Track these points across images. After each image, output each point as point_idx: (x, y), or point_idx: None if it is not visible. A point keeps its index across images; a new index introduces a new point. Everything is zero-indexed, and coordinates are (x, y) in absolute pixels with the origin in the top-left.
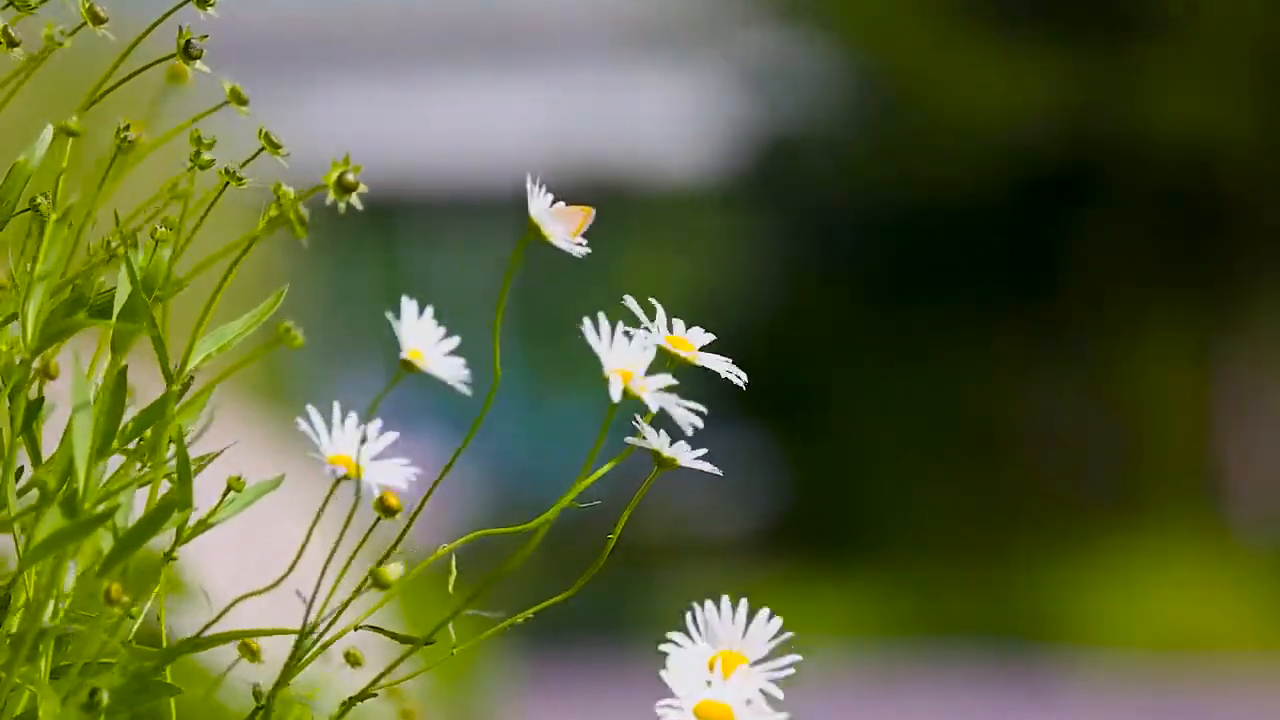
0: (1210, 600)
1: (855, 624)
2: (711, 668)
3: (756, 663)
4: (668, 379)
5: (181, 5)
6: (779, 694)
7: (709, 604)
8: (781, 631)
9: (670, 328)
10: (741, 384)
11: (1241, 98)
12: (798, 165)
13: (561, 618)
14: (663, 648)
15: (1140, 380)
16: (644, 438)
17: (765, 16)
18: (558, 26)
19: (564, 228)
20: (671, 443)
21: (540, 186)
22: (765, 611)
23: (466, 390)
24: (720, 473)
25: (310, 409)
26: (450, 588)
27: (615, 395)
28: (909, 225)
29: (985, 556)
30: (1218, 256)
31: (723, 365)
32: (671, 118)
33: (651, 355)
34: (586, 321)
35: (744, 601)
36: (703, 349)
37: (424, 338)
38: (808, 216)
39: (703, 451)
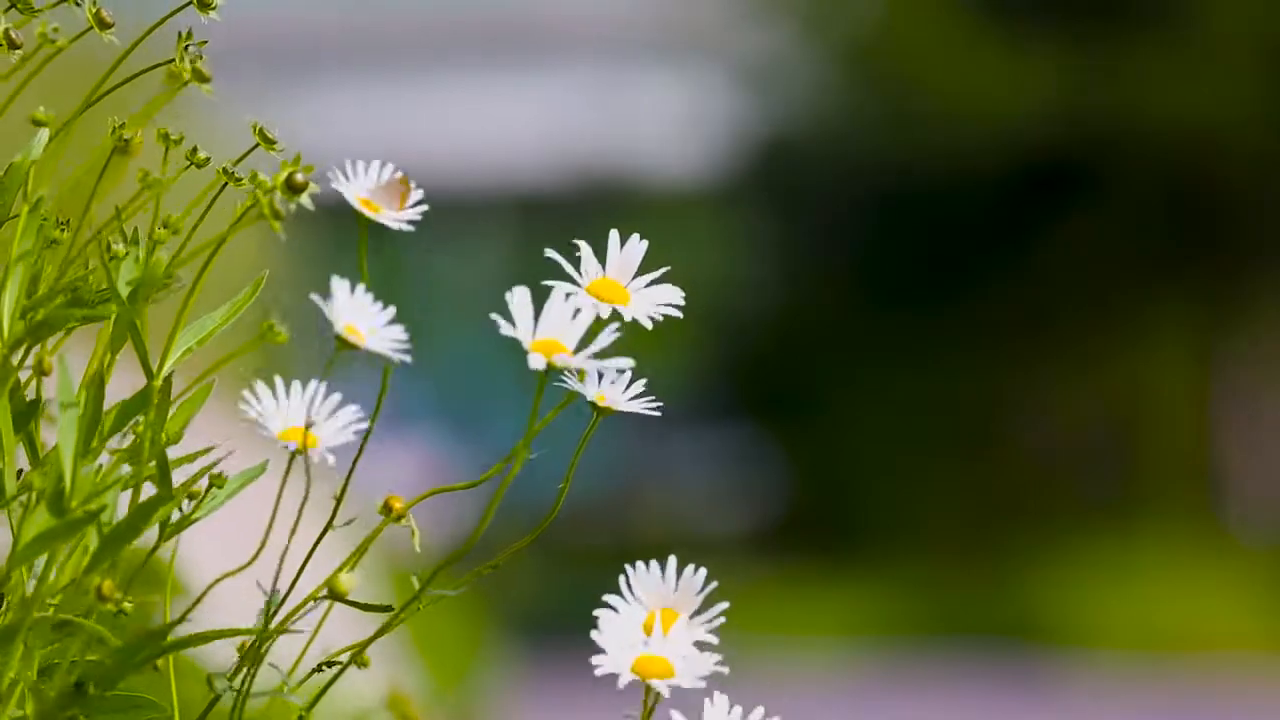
0: (1210, 600)
1: (855, 624)
2: (649, 628)
3: (691, 616)
4: (599, 351)
5: (183, 7)
6: (714, 642)
7: (639, 566)
8: (709, 583)
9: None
10: (678, 314)
11: (1244, 94)
12: (797, 165)
13: (563, 617)
14: (597, 612)
15: (1140, 380)
16: (581, 382)
17: (764, 17)
18: (558, 27)
19: (390, 206)
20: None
21: (356, 169)
22: (691, 567)
23: (407, 359)
24: (659, 413)
25: (255, 387)
26: (416, 546)
27: (537, 365)
28: (908, 224)
29: (985, 556)
30: (1218, 256)
31: (654, 307)
32: (671, 118)
33: (587, 312)
34: (509, 295)
35: (672, 558)
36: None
37: (360, 314)
38: (807, 216)
39: (638, 390)
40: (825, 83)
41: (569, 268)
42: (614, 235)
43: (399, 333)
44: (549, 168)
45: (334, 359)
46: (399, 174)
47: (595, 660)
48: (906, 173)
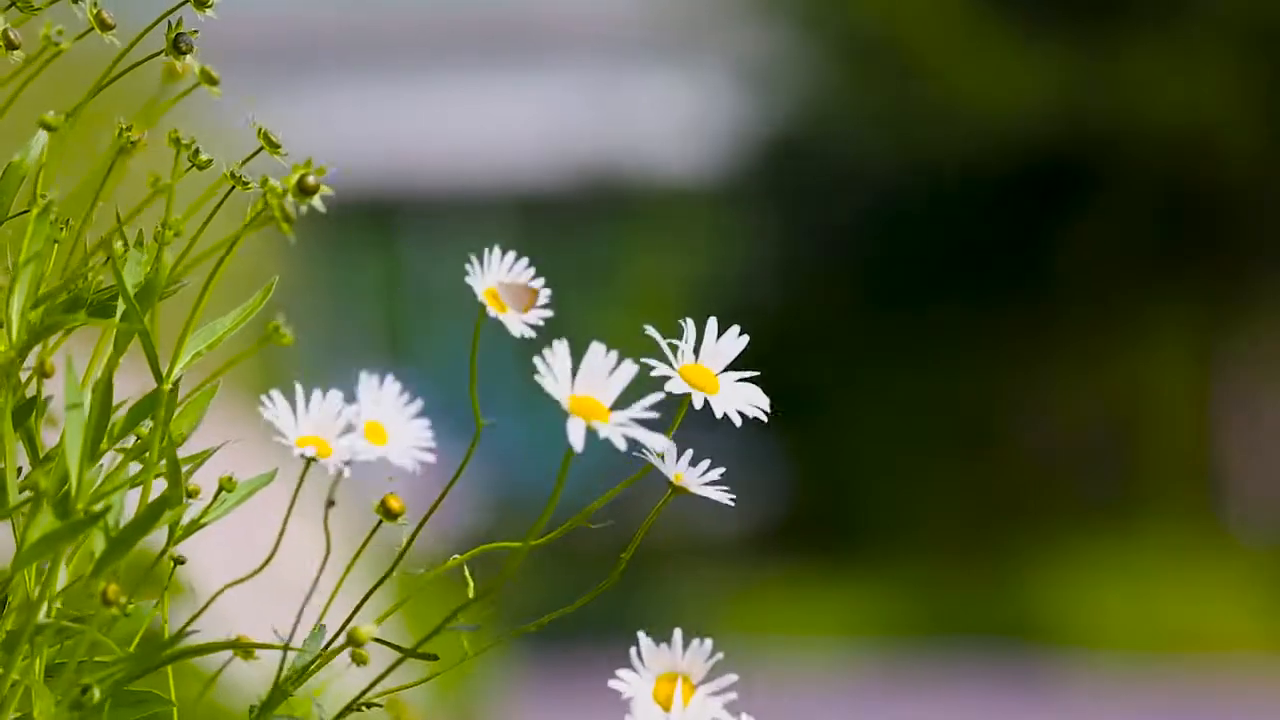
0: (1210, 600)
1: (855, 624)
2: (661, 698)
3: (701, 684)
4: (640, 410)
5: (180, 6)
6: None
7: (645, 639)
8: (715, 653)
9: (695, 353)
10: (764, 417)
11: (1245, 94)
12: (798, 164)
13: (561, 619)
14: (613, 684)
15: (1141, 379)
16: (661, 459)
17: (764, 15)
18: (558, 27)
19: (516, 307)
20: (689, 469)
21: (501, 258)
22: (697, 639)
23: (431, 458)
24: (732, 502)
25: (274, 393)
26: (470, 594)
27: (576, 443)
28: (909, 223)
29: (985, 556)
30: (1219, 256)
31: (743, 404)
32: (672, 117)
33: (626, 370)
34: (541, 357)
35: (677, 631)
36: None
37: (386, 409)
38: (807, 215)
39: (715, 476)
40: (826, 82)
41: (667, 352)
42: (712, 322)
43: (423, 431)
44: (549, 167)
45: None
46: (532, 282)
47: None
48: (907, 172)
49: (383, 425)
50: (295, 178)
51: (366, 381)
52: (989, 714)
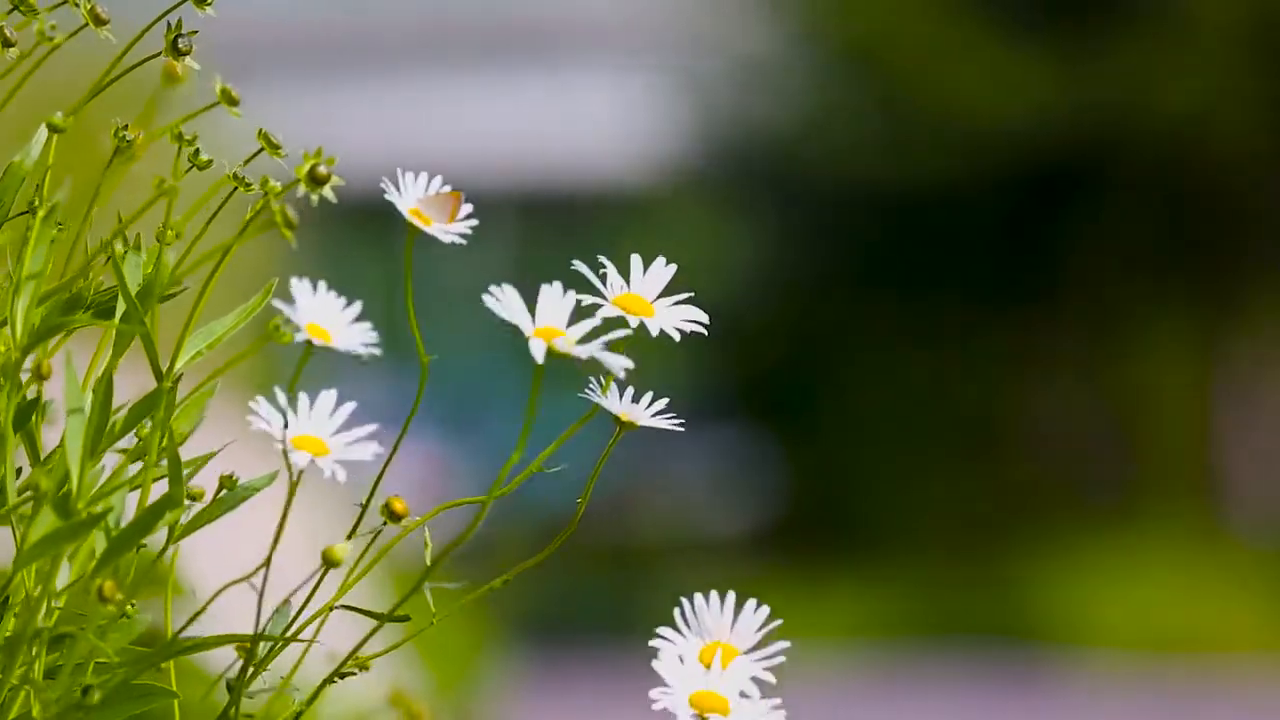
0: (1210, 600)
1: (855, 624)
2: (705, 661)
3: (747, 652)
4: (594, 331)
5: (179, 4)
6: (772, 680)
7: (698, 597)
8: (770, 620)
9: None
10: (703, 330)
11: (1244, 94)
12: (793, 164)
13: (563, 617)
14: (653, 643)
15: (1140, 379)
16: (605, 396)
17: (763, 18)
18: (558, 28)
19: (440, 218)
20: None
21: (407, 178)
22: (752, 602)
23: (377, 352)
24: (682, 428)
25: (260, 399)
26: (427, 559)
27: (538, 356)
28: (907, 222)
29: (985, 556)
30: (1219, 254)
31: (679, 321)
32: (673, 118)
33: (583, 310)
34: (490, 291)
35: (731, 594)
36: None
37: (325, 312)
38: (804, 215)
39: (661, 406)
40: (823, 85)
41: (595, 280)
42: (636, 258)
43: (366, 330)
44: (550, 168)
45: (302, 361)
46: (449, 187)
47: (654, 694)
48: (905, 170)
49: (324, 327)
50: (306, 167)
51: (299, 286)
52: (989, 714)
